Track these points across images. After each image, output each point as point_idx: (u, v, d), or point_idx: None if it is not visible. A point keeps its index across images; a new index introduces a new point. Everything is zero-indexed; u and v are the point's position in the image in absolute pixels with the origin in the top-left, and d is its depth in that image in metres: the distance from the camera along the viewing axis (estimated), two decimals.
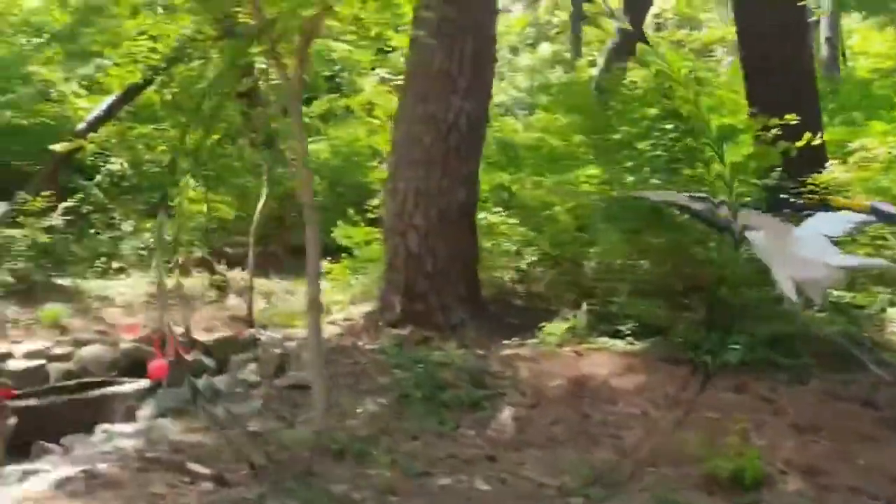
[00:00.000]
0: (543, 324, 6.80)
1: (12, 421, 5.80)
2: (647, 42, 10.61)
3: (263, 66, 11.48)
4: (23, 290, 9.62)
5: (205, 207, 14.26)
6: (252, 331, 7.46)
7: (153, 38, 9.93)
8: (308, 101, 19.12)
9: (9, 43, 14.51)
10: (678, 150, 6.15)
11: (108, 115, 15.35)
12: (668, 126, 6.55)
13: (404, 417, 5.24)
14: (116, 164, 14.93)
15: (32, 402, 6.13)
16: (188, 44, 10.44)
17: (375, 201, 10.23)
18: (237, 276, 11.69)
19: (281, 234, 15.92)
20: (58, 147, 12.42)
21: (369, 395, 5.69)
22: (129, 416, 5.46)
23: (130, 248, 12.69)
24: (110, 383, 6.78)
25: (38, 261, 10.01)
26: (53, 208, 10.22)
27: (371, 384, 5.91)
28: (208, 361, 7.17)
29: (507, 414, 5.14)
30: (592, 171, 7.05)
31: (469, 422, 5.12)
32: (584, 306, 6.71)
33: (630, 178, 6.55)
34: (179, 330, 7.80)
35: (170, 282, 11.00)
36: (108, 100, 15.14)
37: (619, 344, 6.34)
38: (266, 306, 10.99)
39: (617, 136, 6.85)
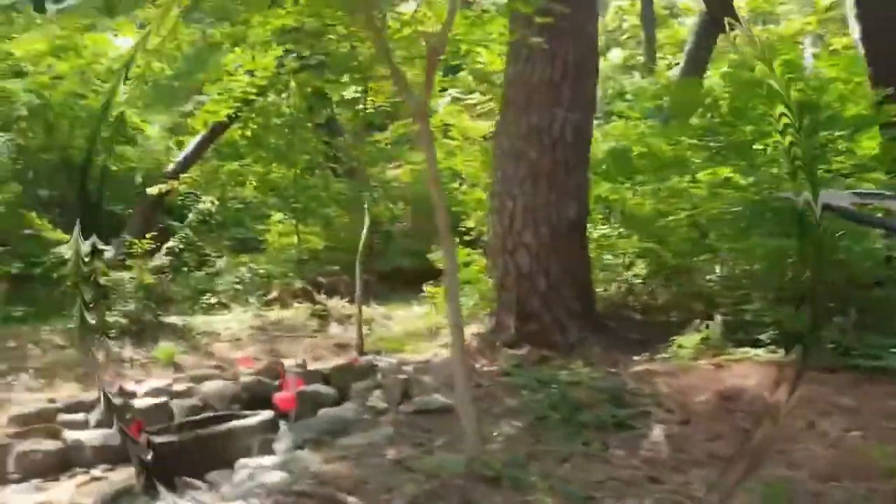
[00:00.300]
0: (674, 337, 6.50)
1: (149, 456, 5.86)
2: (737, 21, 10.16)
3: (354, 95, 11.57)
4: (135, 331, 9.86)
5: (295, 239, 14.53)
6: (368, 357, 7.40)
7: (250, 73, 10.11)
8: (381, 128, 19.39)
9: (97, 91, 15.08)
10: (813, 145, 5.80)
11: (197, 154, 15.81)
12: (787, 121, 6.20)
13: (545, 440, 5.05)
14: (206, 202, 15.33)
15: (165, 437, 6.15)
16: (271, 77, 10.58)
17: (470, 223, 10.08)
18: (336, 304, 11.75)
19: (370, 261, 16.09)
20: (153, 190, 12.80)
21: (502, 418, 5.53)
22: (266, 449, 5.41)
23: (227, 284, 12.95)
24: (234, 417, 6.77)
25: (146, 301, 10.23)
26: (157, 249, 10.43)
27: (500, 407, 5.74)
28: (327, 390, 7.12)
29: (657, 432, 4.90)
30: (725, 172, 6.70)
31: (617, 442, 4.89)
32: (718, 316, 6.40)
33: (764, 178, 6.21)
34: (291, 361, 7.81)
35: (272, 314, 11.22)
36: (195, 140, 15.61)
37: (761, 353, 6.00)
38: (367, 332, 11.00)
39: (745, 134, 6.51)
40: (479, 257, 9.76)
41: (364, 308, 11.77)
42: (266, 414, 6.76)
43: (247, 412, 6.96)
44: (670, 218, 7.27)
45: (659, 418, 5.14)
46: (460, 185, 18.40)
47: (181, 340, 9.82)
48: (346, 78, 10.30)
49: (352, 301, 12.14)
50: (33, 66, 11.76)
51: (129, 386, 7.80)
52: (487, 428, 5.29)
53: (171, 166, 15.35)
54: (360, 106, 10.32)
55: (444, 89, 20.16)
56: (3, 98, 12.53)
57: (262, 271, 14.19)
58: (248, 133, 15.46)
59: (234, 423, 6.51)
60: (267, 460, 5.00)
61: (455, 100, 21.00)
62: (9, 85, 12.29)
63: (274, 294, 13.70)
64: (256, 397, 7.17)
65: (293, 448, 5.12)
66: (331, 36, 7.90)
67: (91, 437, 6.81)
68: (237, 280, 13.23)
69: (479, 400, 6.00)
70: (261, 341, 10.26)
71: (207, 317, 10.86)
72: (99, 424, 7.11)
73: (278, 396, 6.08)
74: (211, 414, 6.98)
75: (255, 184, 14.61)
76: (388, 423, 5.60)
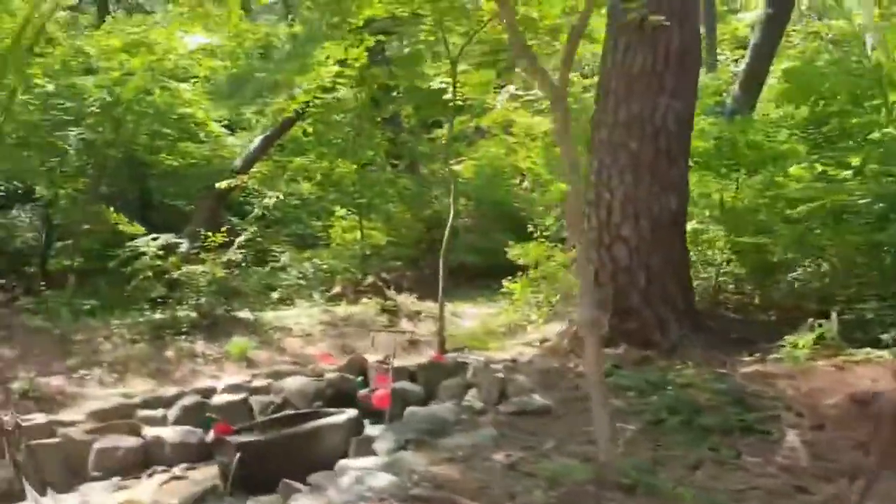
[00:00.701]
0: (785, 336, 6.06)
1: (235, 457, 5.62)
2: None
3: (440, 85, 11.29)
4: (206, 325, 9.71)
5: (358, 234, 14.34)
6: (453, 354, 7.07)
7: (342, 63, 9.90)
8: (436, 124, 19.10)
9: (165, 87, 15.08)
10: None
11: (263, 150, 15.72)
12: None
13: (666, 445, 4.67)
14: (271, 198, 15.20)
15: (251, 437, 5.91)
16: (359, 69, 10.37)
17: (549, 220, 9.70)
18: (405, 300, 11.47)
19: (431, 256, 15.82)
20: (223, 184, 12.69)
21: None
22: (364, 450, 5.12)
23: (291, 279, 12.78)
24: (318, 415, 6.51)
25: (218, 296, 10.08)
26: (229, 243, 10.28)
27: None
28: (413, 388, 6.81)
29: (792, 438, 4.49)
30: (854, 160, 6.24)
31: (748, 448, 4.50)
32: (834, 315, 5.94)
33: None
34: (373, 358, 7.53)
35: (340, 309, 10.99)
36: (261, 136, 15.53)
37: (885, 355, 5.53)
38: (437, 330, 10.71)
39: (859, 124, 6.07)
40: (558, 251, 9.41)
41: (432, 304, 11.53)
42: (351, 412, 6.50)
43: (330, 409, 6.70)
44: (776, 212, 6.80)
45: (790, 423, 4.73)
46: (521, 182, 18.09)
47: (253, 335, 9.63)
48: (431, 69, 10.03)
49: (421, 297, 11.90)
50: (106, 63, 11.69)
51: (207, 382, 7.61)
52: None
53: (237, 162, 15.31)
54: (448, 96, 9.96)
55: (502, 86, 19.71)
56: (76, 94, 12.57)
57: (325, 266, 14.06)
58: (312, 129, 15.40)
59: (321, 421, 6.25)
60: (369, 462, 4.71)
61: (513, 97, 20.62)
62: (80, 82, 12.32)
63: (337, 289, 13.51)
64: (341, 394, 6.89)
65: (395, 449, 4.81)
66: (422, 25, 7.66)
67: (171, 434, 6.63)
68: (300, 275, 13.05)
69: (579, 401, 5.66)
70: (332, 336, 10.04)
71: (277, 312, 10.65)
72: (178, 421, 6.91)
73: (375, 394, 5.78)
74: (293, 412, 6.73)
75: (319, 179, 14.43)
76: (489, 424, 5.29)
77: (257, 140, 15.40)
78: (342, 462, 4.75)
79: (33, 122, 11.48)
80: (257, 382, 7.50)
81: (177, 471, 6.30)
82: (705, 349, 6.33)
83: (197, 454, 6.62)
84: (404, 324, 10.82)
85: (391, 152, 16.71)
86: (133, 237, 9.85)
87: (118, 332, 9.46)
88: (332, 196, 15.93)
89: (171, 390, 7.36)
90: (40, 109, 11.76)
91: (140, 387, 8.21)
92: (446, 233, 8.47)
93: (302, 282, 12.81)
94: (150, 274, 9.94)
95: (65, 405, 7.63)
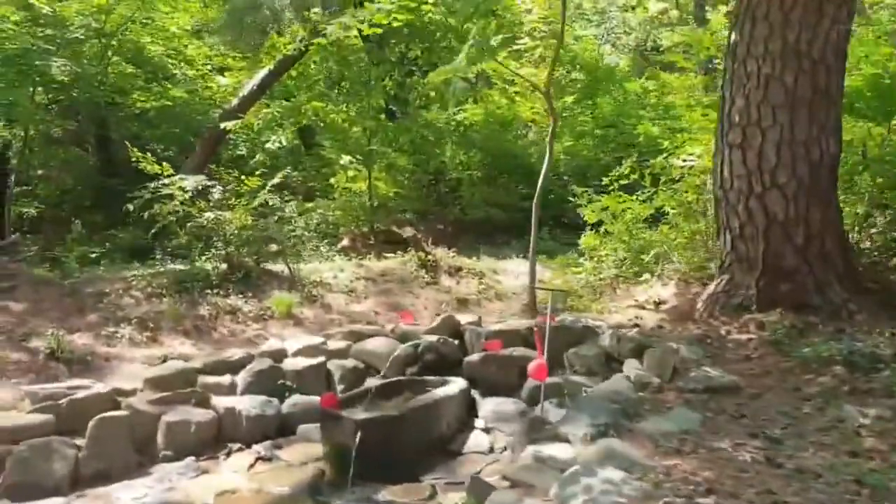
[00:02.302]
0: None
1: (356, 437, 4.64)
2: None
3: None
4: (239, 279, 8.58)
5: (364, 185, 13.25)
6: (565, 317, 6.13)
7: None
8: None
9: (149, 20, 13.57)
10: None
11: (262, 90, 14.36)
12: None
13: None
14: (275, 142, 13.94)
15: (369, 413, 4.92)
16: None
17: (625, 168, 8.77)
18: (443, 254, 10.47)
19: (440, 209, 14.80)
20: (229, 124, 11.38)
21: (837, 400, 4.33)
22: (541, 432, 4.18)
23: (299, 231, 11.62)
24: (423, 384, 5.57)
25: (248, 246, 8.94)
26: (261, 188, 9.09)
27: (813, 386, 4.54)
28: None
29: None
30: None
31: None
32: None
33: None
34: (466, 318, 6.56)
35: (375, 264, 9.94)
36: (260, 74, 14.12)
37: None
38: (483, 287, 9.79)
39: None
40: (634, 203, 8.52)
41: (469, 260, 10.59)
42: (461, 381, 5.56)
43: (429, 378, 5.76)
44: None
45: None
46: (527, 134, 17.10)
47: (291, 291, 8.54)
48: None
49: (459, 252, 10.93)
50: None
51: (277, 343, 6.56)
52: (829, 412, 4.10)
53: (234, 102, 13.95)
54: None
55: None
56: (58, 20, 11.07)
57: (331, 218, 12.97)
58: (319, 68, 14.10)
59: (438, 392, 5.30)
60: (567, 451, 3.80)
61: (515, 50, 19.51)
62: (62, 8, 10.85)
63: (345, 242, 12.48)
64: (442, 360, 5.93)
65: (595, 435, 3.89)
66: None
67: (246, 405, 5.59)
68: (306, 228, 11.93)
69: (762, 376, 4.83)
70: (376, 293, 9.03)
71: (309, 265, 9.55)
72: (249, 389, 5.87)
73: (530, 365, 4.84)
74: (390, 379, 5.76)
75: (333, 120, 13.18)
76: (680, 404, 4.40)
77: (256, 78, 14.03)
78: (533, 450, 3.83)
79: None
80: (333, 344, 6.47)
81: (261, 450, 5.29)
82: (870, 315, 5.55)
83: (276, 429, 5.63)
84: (445, 280, 9.85)
85: (399, 97, 15.47)
86: (156, 177, 8.56)
87: (137, 284, 8.26)
88: (332, 143, 14.74)
89: (235, 353, 6.29)
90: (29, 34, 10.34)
91: (179, 347, 7.14)
92: (540, 179, 7.45)
93: (307, 234, 11.69)
94: (174, 220, 8.70)
95: (102, 369, 6.53)
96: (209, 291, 8.20)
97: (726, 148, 6.07)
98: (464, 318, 6.60)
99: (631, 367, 5.01)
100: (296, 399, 5.87)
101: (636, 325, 6.04)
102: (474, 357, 5.83)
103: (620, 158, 14.43)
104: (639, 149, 14.38)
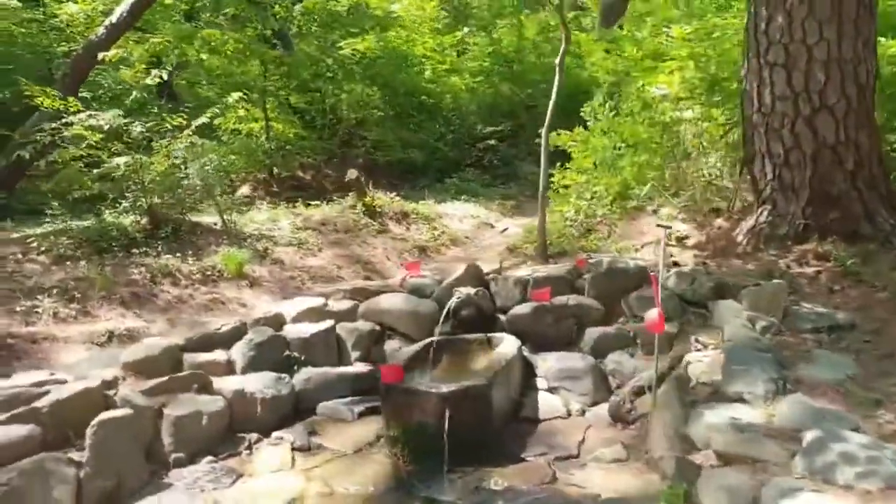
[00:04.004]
0: None
1: (444, 416, 3.80)
2: None
3: None
4: (166, 235, 7.23)
5: (257, 125, 11.95)
6: (606, 259, 5.47)
7: None
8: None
9: None
10: None
11: (133, 18, 12.33)
12: None
13: None
14: (155, 77, 12.06)
15: (449, 384, 4.05)
16: None
17: (596, 101, 8.15)
18: (384, 198, 9.49)
19: (347, 152, 13.63)
20: (104, 54, 9.56)
21: None
22: (684, 388, 3.52)
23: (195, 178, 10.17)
24: (464, 343, 4.76)
25: (171, 195, 7.56)
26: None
27: None
28: (592, 303, 5.14)
29: None
30: None
31: None
32: None
33: None
34: (486, 266, 5.78)
35: (313, 212, 8.82)
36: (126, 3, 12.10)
37: None
38: (438, 233, 8.99)
39: None
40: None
41: (411, 205, 9.73)
42: (510, 338, 4.81)
43: (469, 336, 4.96)
44: None
45: None
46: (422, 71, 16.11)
47: (233, 246, 7.32)
48: None
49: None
50: None
51: (268, 308, 5.46)
52: None
53: (100, 31, 11.86)
54: None
55: None
56: None
57: (225, 163, 11.52)
58: None
59: (504, 351, 4.52)
60: (747, 413, 3.17)
61: None
62: None
63: (245, 189, 11.21)
64: (481, 314, 5.10)
65: (773, 392, 3.30)
66: None
67: (256, 385, 4.55)
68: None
69: (863, 311, 4.46)
70: (327, 245, 7.97)
71: (243, 216, 8.30)
72: (251, 365, 4.79)
73: (648, 316, 4.14)
74: (441, 338, 4.87)
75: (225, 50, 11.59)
76: (816, 347, 3.92)
77: (125, 4, 12.01)
78: (728, 416, 3.17)
79: None
80: (336, 305, 5.46)
81: (291, 438, 4.31)
82: None
83: (293, 410, 4.63)
84: (393, 227, 8.95)
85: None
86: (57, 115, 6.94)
87: (38, 246, 6.72)
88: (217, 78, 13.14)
89: (223, 324, 5.12)
90: None
91: (121, 321, 5.82)
92: (549, 107, 6.65)
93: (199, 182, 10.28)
94: (81, 166, 7.13)
95: (33, 353, 5.15)
96: (135, 251, 6.81)
97: (765, 68, 5.60)
98: (486, 267, 5.76)
99: (729, 309, 4.46)
100: (308, 372, 4.89)
101: (675, 264, 5.51)
102: (522, 308, 5.06)
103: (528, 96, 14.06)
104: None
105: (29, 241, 6.79)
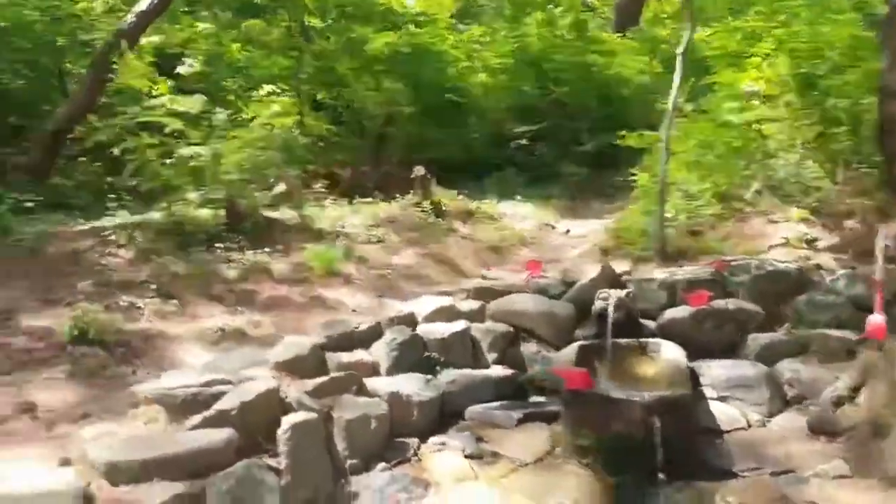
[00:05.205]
0: None
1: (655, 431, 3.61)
2: None
3: None
4: (246, 230, 6.96)
5: (290, 120, 11.64)
6: (744, 261, 5.32)
7: None
8: None
9: None
10: None
11: (161, 7, 11.93)
12: None
13: None
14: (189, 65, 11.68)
15: (655, 393, 3.87)
16: None
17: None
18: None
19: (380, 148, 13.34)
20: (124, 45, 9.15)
21: None
22: None
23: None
24: (616, 347, 4.57)
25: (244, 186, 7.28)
26: None
27: None
28: (751, 307, 4.98)
29: None
30: None
31: None
32: None
33: None
34: (622, 267, 5.61)
35: (376, 209, 8.56)
36: None
37: None
38: (507, 233, 8.78)
39: None
40: None
41: (474, 203, 9.53)
42: (670, 344, 4.63)
43: (620, 341, 4.75)
44: None
45: None
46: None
47: (317, 242, 7.07)
48: None
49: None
50: None
51: (397, 304, 5.23)
52: None
53: (130, 17, 11.43)
54: None
55: None
56: None
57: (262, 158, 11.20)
58: None
59: (675, 358, 4.35)
60: None
61: None
62: None
63: (282, 187, 10.88)
64: (631, 318, 4.88)
65: None
66: None
67: (412, 388, 4.33)
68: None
69: None
70: (407, 244, 7.74)
71: (310, 211, 8.03)
72: (396, 366, 4.56)
73: (870, 322, 3.98)
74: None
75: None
76: None
77: None
78: None
79: None
80: (464, 305, 5.25)
81: (459, 444, 4.09)
82: None
83: (440, 416, 4.41)
84: (458, 226, 8.73)
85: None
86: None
87: (117, 239, 6.42)
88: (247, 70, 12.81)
89: (360, 322, 4.87)
90: None
91: (225, 318, 5.57)
92: (671, 102, 6.42)
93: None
94: (151, 157, 6.82)
95: (150, 352, 4.89)
96: (218, 246, 6.53)
97: None
98: (620, 268, 5.59)
99: None
100: (452, 374, 4.66)
101: (818, 267, 5.38)
102: (678, 312, 4.88)
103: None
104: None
105: (106, 233, 6.48)
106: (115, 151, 6.72)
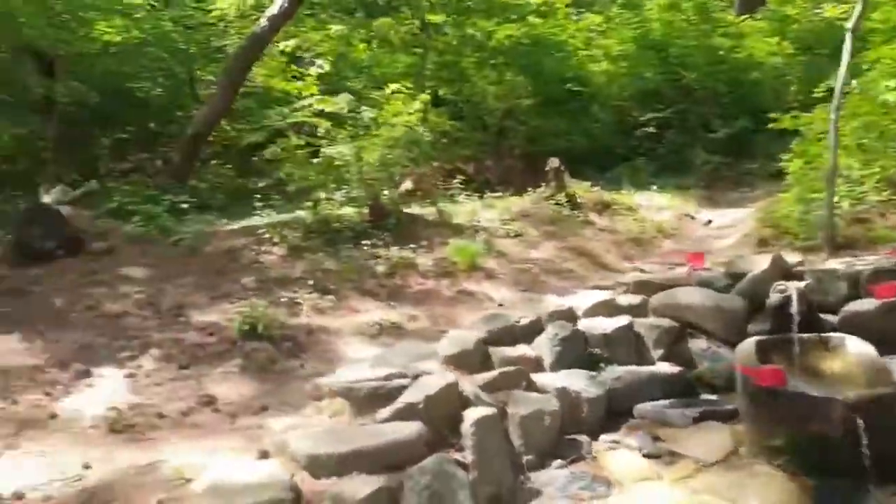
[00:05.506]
0: None
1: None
2: None
3: None
4: (392, 226, 7.03)
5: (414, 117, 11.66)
6: None
7: None
8: None
9: None
10: None
11: (292, 10, 12.26)
12: None
13: None
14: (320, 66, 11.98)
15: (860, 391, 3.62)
16: None
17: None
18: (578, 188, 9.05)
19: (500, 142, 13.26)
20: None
21: None
22: None
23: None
24: (797, 342, 4.28)
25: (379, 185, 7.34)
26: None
27: None
28: None
29: None
30: None
31: None
32: None
33: None
34: (793, 258, 5.29)
35: (503, 203, 8.47)
36: None
37: None
38: (648, 224, 8.51)
39: None
40: None
41: (610, 195, 9.30)
42: (854, 339, 4.30)
43: (802, 336, 4.44)
44: None
45: None
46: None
47: (454, 237, 7.05)
48: None
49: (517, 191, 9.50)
50: None
51: (554, 299, 5.14)
52: None
53: (263, 22, 11.80)
54: None
55: None
56: None
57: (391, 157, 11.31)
58: None
59: (866, 355, 4.04)
60: None
61: None
62: None
63: (407, 185, 10.92)
64: (811, 312, 4.59)
65: None
66: None
67: (581, 384, 4.22)
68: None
69: None
70: (545, 237, 7.62)
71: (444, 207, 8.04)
72: (559, 361, 4.45)
73: None
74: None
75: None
76: None
77: None
78: None
79: None
80: (624, 299, 5.09)
81: (633, 443, 3.96)
82: None
83: (606, 412, 4.26)
84: (594, 218, 8.53)
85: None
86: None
87: (271, 237, 6.61)
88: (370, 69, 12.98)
89: (521, 317, 4.80)
90: None
91: (377, 312, 5.65)
92: (838, 85, 5.99)
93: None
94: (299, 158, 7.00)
95: (313, 346, 4.98)
96: (365, 243, 6.61)
97: None
98: (791, 259, 5.27)
99: None
100: (617, 371, 4.52)
101: None
102: (863, 305, 4.56)
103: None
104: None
105: (259, 232, 6.69)
106: (266, 154, 6.92)
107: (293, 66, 9.20)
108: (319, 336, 5.12)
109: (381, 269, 6.21)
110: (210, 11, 12.27)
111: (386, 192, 7.12)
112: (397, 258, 6.37)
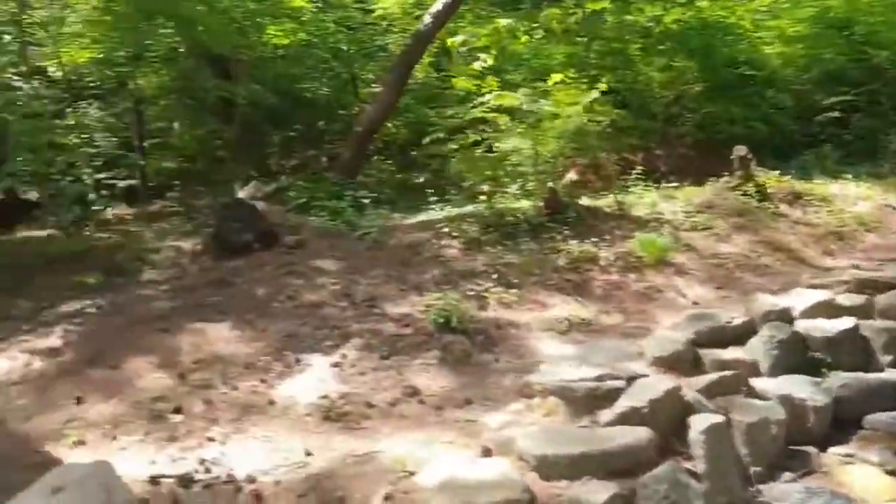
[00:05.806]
0: None
1: None
2: None
3: None
4: (570, 219, 6.82)
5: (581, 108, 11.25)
6: None
7: None
8: None
9: None
10: None
11: (454, 6, 12.25)
12: None
13: None
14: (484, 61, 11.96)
15: None
16: None
17: None
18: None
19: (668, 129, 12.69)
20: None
21: None
22: None
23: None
24: None
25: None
26: None
27: None
28: None
29: None
30: None
31: None
32: None
33: None
34: None
35: (681, 193, 8.05)
36: None
37: None
38: (846, 216, 7.83)
39: None
40: None
41: (799, 184, 8.65)
42: None
43: None
44: None
45: None
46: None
47: (636, 230, 6.75)
48: None
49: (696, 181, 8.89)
50: None
51: (772, 299, 4.80)
52: None
53: (427, 20, 11.85)
54: None
55: None
56: None
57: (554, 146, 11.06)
58: None
59: None
60: None
61: None
62: None
63: (571, 175, 10.58)
64: None
65: None
66: None
67: (806, 392, 3.88)
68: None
69: None
70: (735, 230, 7.16)
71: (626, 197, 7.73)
72: (776, 365, 4.11)
73: None
74: None
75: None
76: None
77: None
78: None
79: None
80: (843, 299, 4.66)
81: (881, 461, 3.56)
82: None
83: (832, 422, 3.87)
84: (786, 210, 7.92)
85: None
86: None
87: (450, 232, 6.58)
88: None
89: (733, 318, 4.50)
90: None
91: (563, 307, 5.46)
92: None
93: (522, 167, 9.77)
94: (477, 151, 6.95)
95: (504, 341, 4.88)
96: (544, 236, 6.47)
97: None
98: None
99: None
100: (843, 378, 4.13)
101: None
102: None
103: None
104: None
105: (438, 225, 6.71)
106: (449, 148, 6.94)
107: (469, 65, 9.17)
108: (509, 330, 5.03)
109: (562, 262, 6.05)
110: (372, 11, 12.54)
111: (550, 184, 6.90)
112: (578, 252, 6.18)
